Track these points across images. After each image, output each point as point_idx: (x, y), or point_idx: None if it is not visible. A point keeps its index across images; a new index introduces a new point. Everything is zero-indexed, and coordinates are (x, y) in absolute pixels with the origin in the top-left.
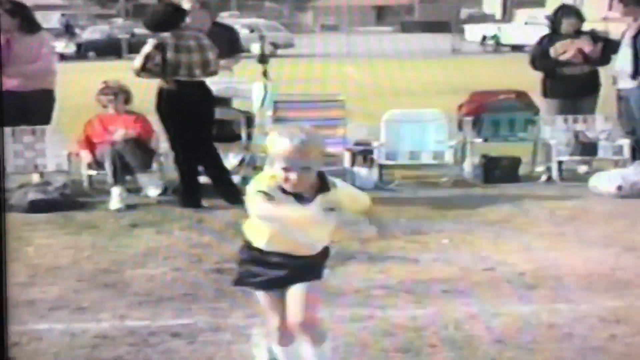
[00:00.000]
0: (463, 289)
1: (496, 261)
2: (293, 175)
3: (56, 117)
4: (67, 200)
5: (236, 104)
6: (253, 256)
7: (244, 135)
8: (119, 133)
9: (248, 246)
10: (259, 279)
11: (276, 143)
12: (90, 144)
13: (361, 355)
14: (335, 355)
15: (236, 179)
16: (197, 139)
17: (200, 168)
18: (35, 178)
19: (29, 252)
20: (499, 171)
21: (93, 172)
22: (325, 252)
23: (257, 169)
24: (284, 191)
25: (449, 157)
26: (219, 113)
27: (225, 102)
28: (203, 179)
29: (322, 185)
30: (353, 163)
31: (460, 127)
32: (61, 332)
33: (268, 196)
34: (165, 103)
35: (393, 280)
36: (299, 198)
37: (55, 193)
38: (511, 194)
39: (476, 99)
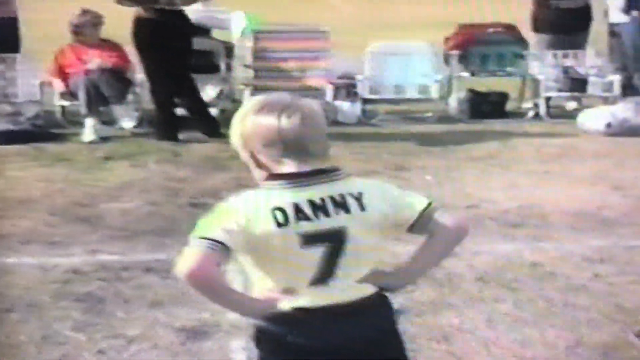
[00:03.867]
0: None
1: (480, 198)
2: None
3: (27, 45)
4: (39, 132)
5: (215, 33)
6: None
7: (222, 66)
8: (94, 62)
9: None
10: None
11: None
12: (62, 74)
13: None
14: None
15: (214, 111)
16: (174, 69)
17: (178, 100)
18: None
19: None
20: (485, 106)
21: (66, 103)
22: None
23: (236, 102)
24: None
25: (434, 92)
26: (197, 43)
27: (203, 31)
28: (180, 111)
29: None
30: (336, 97)
31: (446, 60)
32: (32, 266)
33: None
34: (143, 32)
35: None
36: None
37: (26, 124)
38: (497, 130)
39: (463, 32)
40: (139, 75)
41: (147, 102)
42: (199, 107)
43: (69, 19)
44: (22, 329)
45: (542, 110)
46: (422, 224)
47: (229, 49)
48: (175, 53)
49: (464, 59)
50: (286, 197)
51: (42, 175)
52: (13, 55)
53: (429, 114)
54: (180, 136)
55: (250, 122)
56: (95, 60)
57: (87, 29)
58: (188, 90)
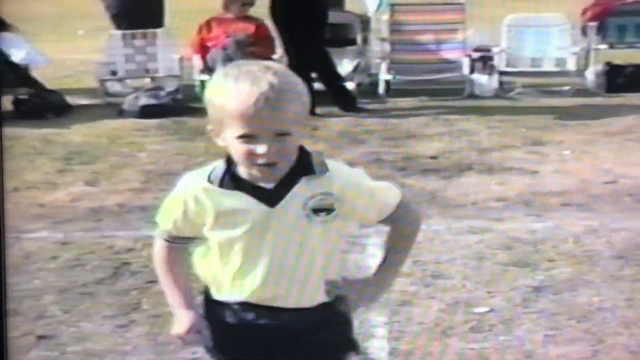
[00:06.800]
0: (583, 202)
1: (618, 174)
2: (262, 149)
3: (168, 20)
4: (179, 106)
5: (351, 6)
6: (213, 317)
7: (359, 39)
8: (233, 36)
9: (206, 298)
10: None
11: (226, 94)
12: (203, 48)
13: (477, 268)
14: (452, 267)
15: (350, 85)
16: (311, 43)
17: (315, 74)
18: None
19: (141, 158)
20: (623, 79)
21: (206, 77)
22: (338, 301)
23: (372, 76)
24: (236, 182)
25: (571, 65)
26: (333, 16)
27: (339, 4)
28: (317, 86)
29: (303, 165)
30: (472, 70)
31: (584, 32)
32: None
33: (211, 196)
34: (279, 7)
35: (511, 192)
36: (260, 192)
37: (167, 98)
38: (636, 104)
39: (602, 3)
40: (278, 50)
41: None
42: (335, 81)
43: None
44: (165, 300)
45: None
46: None
47: (365, 22)
48: (311, 27)
49: (601, 31)
50: None
51: (183, 149)
52: (153, 31)
53: (566, 88)
54: (317, 111)
55: None
56: (235, 34)
57: (236, 5)
58: (325, 65)
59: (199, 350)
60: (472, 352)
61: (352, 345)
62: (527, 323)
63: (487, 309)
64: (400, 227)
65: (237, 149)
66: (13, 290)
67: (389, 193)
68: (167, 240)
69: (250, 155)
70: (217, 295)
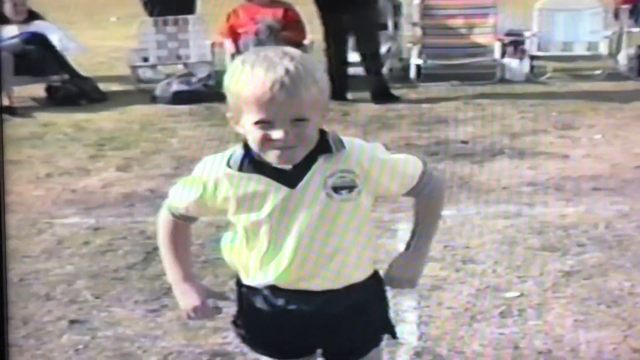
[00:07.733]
0: (614, 187)
1: None
2: (277, 134)
3: (199, 6)
4: (210, 92)
5: None
6: (246, 303)
7: (390, 24)
8: (263, 22)
9: (238, 283)
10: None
11: (242, 80)
12: (234, 34)
13: (508, 253)
14: (482, 252)
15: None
16: (360, 29)
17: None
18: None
19: (173, 143)
20: None
21: None
22: (372, 283)
23: (403, 60)
24: (255, 166)
25: (603, 48)
26: None
27: None
28: (349, 71)
29: (321, 144)
30: (503, 54)
31: (616, 16)
32: (206, 224)
33: (230, 180)
34: None
35: (542, 177)
36: (280, 174)
37: (198, 84)
38: None
39: None
40: (309, 36)
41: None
42: (375, 68)
43: None
44: None
45: None
46: None
47: (396, 7)
48: (357, 11)
49: (634, 14)
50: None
51: (214, 135)
52: (185, 17)
53: (598, 72)
54: (349, 96)
55: None
56: (265, 19)
57: None
58: (371, 50)
59: (230, 335)
60: (502, 337)
61: (389, 327)
62: (557, 308)
63: (517, 293)
64: (427, 196)
65: (254, 135)
66: (46, 275)
67: (410, 164)
68: (175, 216)
69: (267, 141)
70: (247, 280)
